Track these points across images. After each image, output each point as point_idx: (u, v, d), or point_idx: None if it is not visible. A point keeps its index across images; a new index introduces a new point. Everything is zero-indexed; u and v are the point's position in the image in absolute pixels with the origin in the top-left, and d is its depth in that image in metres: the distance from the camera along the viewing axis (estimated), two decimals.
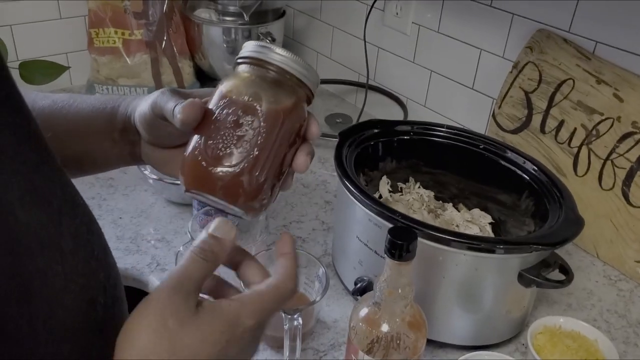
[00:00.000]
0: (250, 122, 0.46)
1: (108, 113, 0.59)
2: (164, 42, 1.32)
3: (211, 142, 0.47)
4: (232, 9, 1.29)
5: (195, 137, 0.48)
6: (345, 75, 1.49)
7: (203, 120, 0.48)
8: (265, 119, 0.47)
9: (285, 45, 1.57)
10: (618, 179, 0.95)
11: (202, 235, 0.45)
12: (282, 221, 1.04)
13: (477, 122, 1.19)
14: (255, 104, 0.47)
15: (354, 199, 0.78)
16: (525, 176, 0.85)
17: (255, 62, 0.49)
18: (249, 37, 1.32)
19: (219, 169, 0.46)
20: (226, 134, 0.47)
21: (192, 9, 1.34)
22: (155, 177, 1.02)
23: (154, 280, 0.90)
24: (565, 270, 0.75)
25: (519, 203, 0.87)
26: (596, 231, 0.99)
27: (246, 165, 0.46)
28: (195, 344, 0.40)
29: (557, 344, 0.76)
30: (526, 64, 1.06)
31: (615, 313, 0.89)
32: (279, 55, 0.48)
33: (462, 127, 0.96)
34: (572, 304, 0.90)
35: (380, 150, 0.94)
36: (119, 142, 0.59)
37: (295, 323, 0.72)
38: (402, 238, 0.59)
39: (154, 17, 1.30)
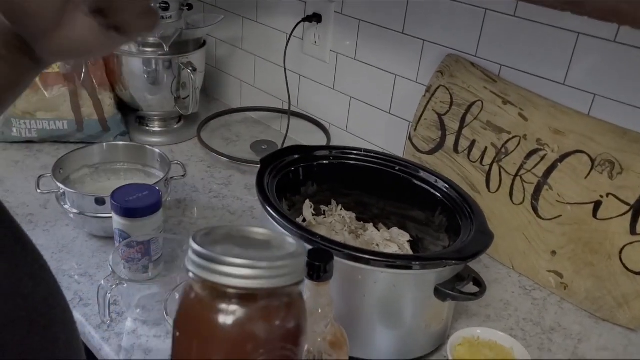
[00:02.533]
0: None
1: None
2: (82, 75, 1.31)
3: None
4: (151, 40, 1.30)
5: None
6: (269, 103, 1.51)
7: None
8: None
9: (208, 74, 1.58)
10: (527, 194, 1.00)
11: None
12: None
13: (395, 144, 1.23)
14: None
15: (275, 224, 0.80)
16: (438, 194, 0.89)
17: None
18: (169, 67, 1.32)
19: None
20: None
21: None
22: (76, 211, 1.00)
23: (77, 317, 0.88)
24: (479, 282, 0.78)
25: (433, 219, 0.90)
26: (510, 244, 1.04)
27: None
28: None
29: (476, 354, 0.80)
30: (438, 87, 1.11)
31: (530, 321, 0.94)
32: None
33: (379, 149, 0.99)
34: (491, 315, 0.95)
35: (301, 175, 0.96)
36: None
37: None
38: (320, 259, 0.61)
39: None
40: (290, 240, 0.40)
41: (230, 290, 0.36)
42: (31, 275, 0.44)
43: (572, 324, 0.94)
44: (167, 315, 0.77)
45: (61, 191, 1.01)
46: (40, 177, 1.06)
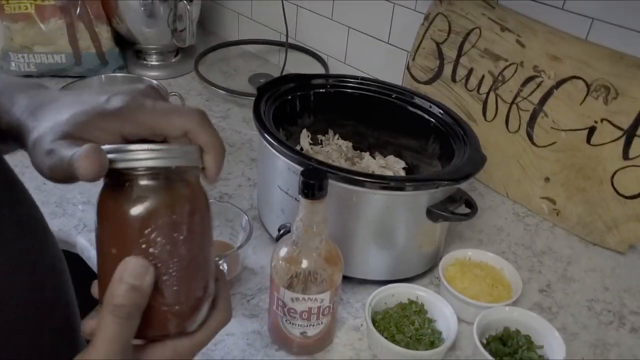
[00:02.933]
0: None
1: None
2: (78, 7, 1.30)
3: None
4: None
5: None
6: (267, 35, 1.50)
7: None
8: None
9: (205, 7, 1.56)
10: (523, 122, 1.01)
11: (117, 288, 0.39)
12: None
13: (394, 75, 1.23)
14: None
15: (273, 150, 0.81)
16: (432, 120, 0.90)
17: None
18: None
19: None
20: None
21: None
22: None
23: (82, 241, 0.91)
24: (471, 204, 0.80)
25: (427, 147, 0.92)
26: (505, 172, 1.05)
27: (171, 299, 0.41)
28: None
29: (467, 274, 0.82)
30: (436, 15, 1.10)
31: (522, 245, 0.96)
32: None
33: (375, 78, 0.99)
34: (483, 239, 0.97)
35: (298, 106, 0.97)
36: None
37: (220, 268, 0.75)
38: (314, 178, 0.63)
39: None
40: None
41: (131, 172, 0.39)
42: (18, 224, 0.46)
43: (562, 247, 0.97)
44: None
45: None
46: None
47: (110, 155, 0.39)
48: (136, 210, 0.39)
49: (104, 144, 0.39)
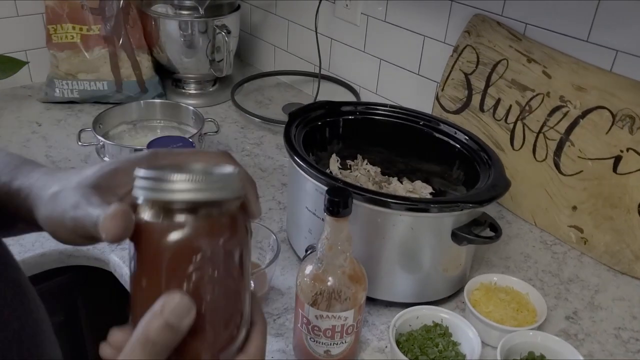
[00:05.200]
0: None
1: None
2: (121, 37, 1.36)
3: None
4: (187, 3, 1.34)
5: None
6: (301, 67, 1.55)
7: None
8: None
9: (242, 39, 1.62)
10: (550, 150, 1.02)
11: (154, 321, 0.36)
12: None
13: (424, 105, 1.26)
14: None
15: (301, 172, 0.84)
16: (457, 145, 0.92)
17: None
18: (205, 31, 1.37)
19: None
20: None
21: (148, 4, 1.39)
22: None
23: (114, 259, 0.94)
24: (495, 228, 0.81)
25: (452, 173, 0.94)
26: (533, 201, 1.06)
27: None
28: None
29: (492, 298, 0.83)
30: (465, 47, 1.13)
31: (549, 273, 0.96)
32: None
33: (402, 106, 1.02)
34: (510, 266, 0.97)
35: (327, 131, 1.00)
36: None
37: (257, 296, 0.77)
38: (338, 195, 0.65)
39: (110, 12, 1.34)
40: (230, 168, 0.41)
41: (173, 206, 0.37)
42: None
43: (590, 276, 0.96)
44: None
45: (100, 144, 1.07)
46: (81, 131, 1.12)
47: (147, 183, 0.37)
48: (174, 241, 0.37)
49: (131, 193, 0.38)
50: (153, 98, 1.41)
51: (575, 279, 0.95)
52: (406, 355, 0.73)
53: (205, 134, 1.15)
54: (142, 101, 1.23)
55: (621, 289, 0.94)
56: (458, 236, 0.78)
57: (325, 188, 0.79)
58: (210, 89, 1.50)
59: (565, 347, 0.75)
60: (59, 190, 0.42)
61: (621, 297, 0.92)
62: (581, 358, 0.74)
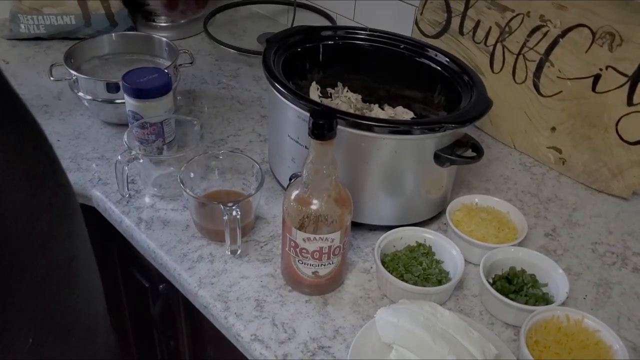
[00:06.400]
0: None
1: None
2: None
3: None
4: None
5: None
6: None
7: None
8: None
9: None
10: (529, 72, 1.02)
11: None
12: (219, 135, 1.08)
13: (403, 30, 1.22)
14: None
15: (282, 98, 0.83)
16: (439, 68, 0.91)
17: None
18: None
19: None
20: None
21: None
22: (89, 97, 1.03)
23: (97, 194, 0.93)
24: (477, 148, 0.82)
25: (433, 98, 0.93)
26: (512, 123, 1.07)
27: None
28: None
29: (473, 217, 0.84)
30: None
31: (528, 193, 0.98)
32: None
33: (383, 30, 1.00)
34: (490, 188, 0.99)
35: (307, 59, 0.98)
36: None
37: (234, 213, 0.77)
38: (323, 118, 0.65)
39: None
40: None
41: None
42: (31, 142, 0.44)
43: (568, 195, 0.98)
44: (182, 185, 0.81)
45: (74, 78, 1.04)
46: (52, 65, 1.09)
47: None
48: None
49: None
50: (124, 32, 1.36)
51: (554, 198, 0.97)
52: (391, 274, 0.75)
53: (180, 65, 1.12)
54: (113, 34, 1.19)
55: (598, 206, 0.96)
56: (441, 157, 0.79)
57: (308, 114, 0.79)
58: (182, 21, 1.46)
59: (546, 261, 0.78)
60: None
61: (598, 213, 0.95)
62: (560, 270, 0.76)
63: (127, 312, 1.19)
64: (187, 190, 0.81)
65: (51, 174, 0.43)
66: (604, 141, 0.95)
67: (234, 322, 0.73)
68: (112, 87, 1.02)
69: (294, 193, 0.71)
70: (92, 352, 0.49)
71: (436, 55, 0.92)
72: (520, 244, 0.82)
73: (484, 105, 0.80)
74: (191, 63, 1.15)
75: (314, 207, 0.70)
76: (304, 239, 0.71)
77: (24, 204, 0.39)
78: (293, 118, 0.82)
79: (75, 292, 0.46)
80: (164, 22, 1.44)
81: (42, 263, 0.41)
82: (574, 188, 1.00)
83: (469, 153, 0.82)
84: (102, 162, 1.00)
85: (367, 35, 0.98)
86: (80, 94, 1.04)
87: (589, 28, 0.93)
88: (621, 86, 0.91)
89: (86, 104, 1.06)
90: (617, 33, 0.90)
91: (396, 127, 0.76)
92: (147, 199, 0.92)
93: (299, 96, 0.80)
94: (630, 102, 0.91)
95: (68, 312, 0.45)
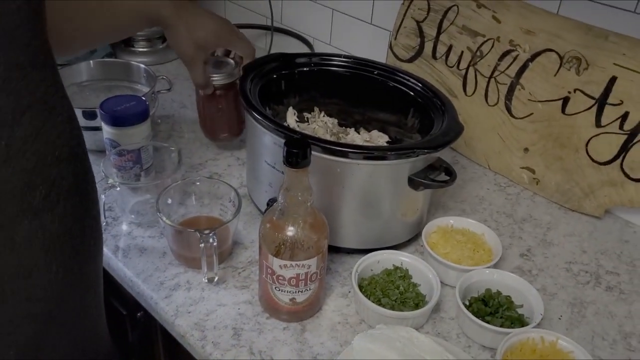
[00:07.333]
0: None
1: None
2: None
3: None
4: None
5: None
6: (253, 20, 1.52)
7: None
8: None
9: None
10: (501, 94, 1.04)
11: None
12: (197, 159, 1.09)
13: (378, 55, 1.25)
14: None
15: (259, 126, 0.84)
16: (412, 93, 0.93)
17: None
18: None
19: None
20: None
21: None
22: None
23: None
24: (450, 172, 0.83)
25: (407, 121, 0.95)
26: (486, 145, 1.09)
27: None
28: None
29: (449, 240, 0.86)
30: None
31: (503, 214, 1.00)
32: None
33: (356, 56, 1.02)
34: (466, 209, 1.00)
35: (283, 84, 0.99)
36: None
37: (211, 241, 0.78)
38: (297, 147, 0.66)
39: None
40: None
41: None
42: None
43: (542, 214, 1.00)
44: (159, 212, 0.82)
45: None
46: None
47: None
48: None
49: None
50: (102, 57, 1.37)
51: (529, 218, 0.99)
52: (369, 298, 0.76)
53: (158, 92, 1.13)
54: (91, 61, 1.19)
55: (571, 225, 0.98)
56: (414, 182, 0.80)
57: (284, 141, 0.80)
58: (160, 47, 1.47)
59: (520, 283, 0.79)
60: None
61: (572, 232, 0.97)
62: (535, 291, 0.77)
63: None
64: (164, 218, 0.81)
65: None
66: (575, 161, 0.97)
67: (212, 351, 0.73)
68: (89, 115, 1.02)
69: (270, 220, 0.72)
70: None
71: (409, 81, 0.94)
72: (495, 265, 0.83)
73: (455, 130, 0.82)
74: (169, 89, 1.16)
75: (289, 233, 0.70)
76: (280, 266, 0.71)
77: None
78: (269, 144, 0.83)
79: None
80: (143, 48, 1.45)
81: None
82: (548, 207, 1.02)
83: (442, 177, 0.83)
84: None
85: (342, 61, 1.00)
86: None
87: (557, 52, 0.96)
88: (589, 108, 0.93)
89: None
90: (583, 57, 0.93)
91: (370, 153, 0.77)
92: (124, 227, 0.93)
93: (275, 123, 0.81)
94: (598, 124, 0.93)
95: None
